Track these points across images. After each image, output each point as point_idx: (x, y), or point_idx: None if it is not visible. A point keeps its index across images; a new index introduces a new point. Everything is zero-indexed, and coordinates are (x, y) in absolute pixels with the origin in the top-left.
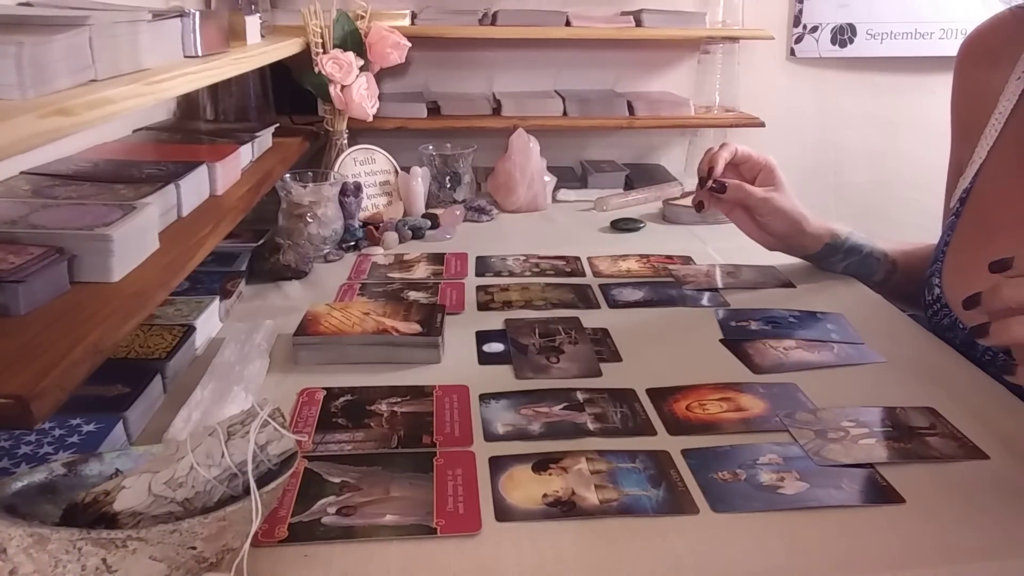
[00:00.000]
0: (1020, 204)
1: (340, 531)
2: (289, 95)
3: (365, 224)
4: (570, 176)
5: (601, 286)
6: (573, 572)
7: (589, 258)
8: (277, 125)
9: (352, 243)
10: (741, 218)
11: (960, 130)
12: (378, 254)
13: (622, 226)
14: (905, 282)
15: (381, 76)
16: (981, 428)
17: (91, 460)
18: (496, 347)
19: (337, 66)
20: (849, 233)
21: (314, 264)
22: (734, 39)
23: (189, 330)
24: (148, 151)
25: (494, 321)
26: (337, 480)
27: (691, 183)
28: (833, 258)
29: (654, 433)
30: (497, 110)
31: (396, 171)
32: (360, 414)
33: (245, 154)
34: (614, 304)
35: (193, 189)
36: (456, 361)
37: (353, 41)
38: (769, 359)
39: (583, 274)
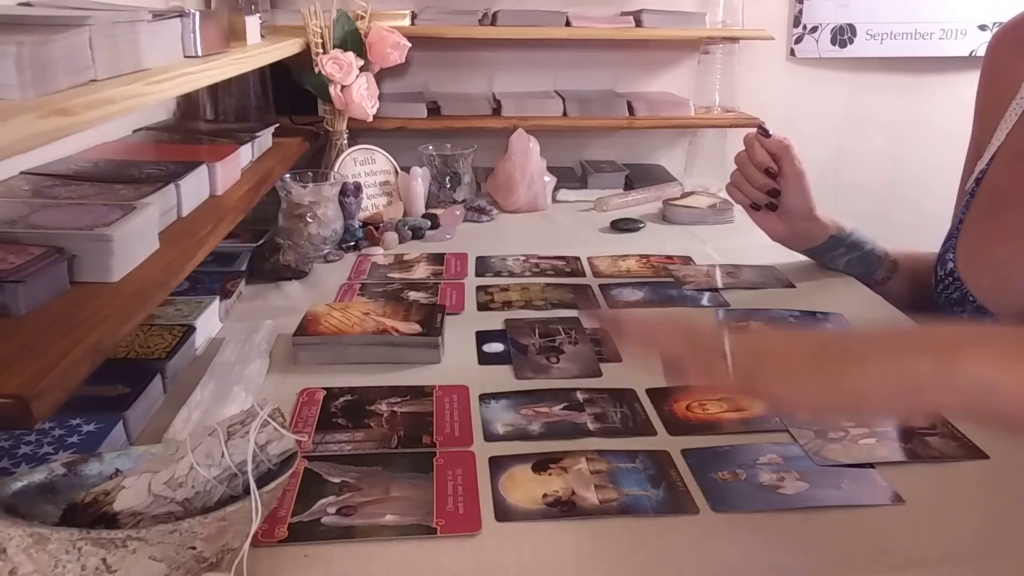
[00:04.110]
0: None
1: (340, 531)
2: (289, 95)
3: (365, 224)
4: (570, 176)
5: (601, 286)
6: (573, 572)
7: (589, 258)
8: (277, 125)
9: (352, 243)
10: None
11: (983, 115)
12: (378, 254)
13: (622, 226)
14: (905, 284)
15: (381, 76)
16: (981, 428)
17: (91, 460)
18: (496, 347)
19: (337, 66)
20: (853, 228)
21: (314, 264)
22: (734, 39)
23: (189, 330)
24: (148, 151)
25: (494, 321)
26: (337, 480)
27: (691, 183)
28: (836, 251)
29: (654, 433)
30: (497, 110)
31: (396, 171)
32: (360, 414)
33: (245, 154)
34: (614, 304)
35: (193, 189)
36: (456, 361)
37: (353, 41)
38: None
39: (583, 274)
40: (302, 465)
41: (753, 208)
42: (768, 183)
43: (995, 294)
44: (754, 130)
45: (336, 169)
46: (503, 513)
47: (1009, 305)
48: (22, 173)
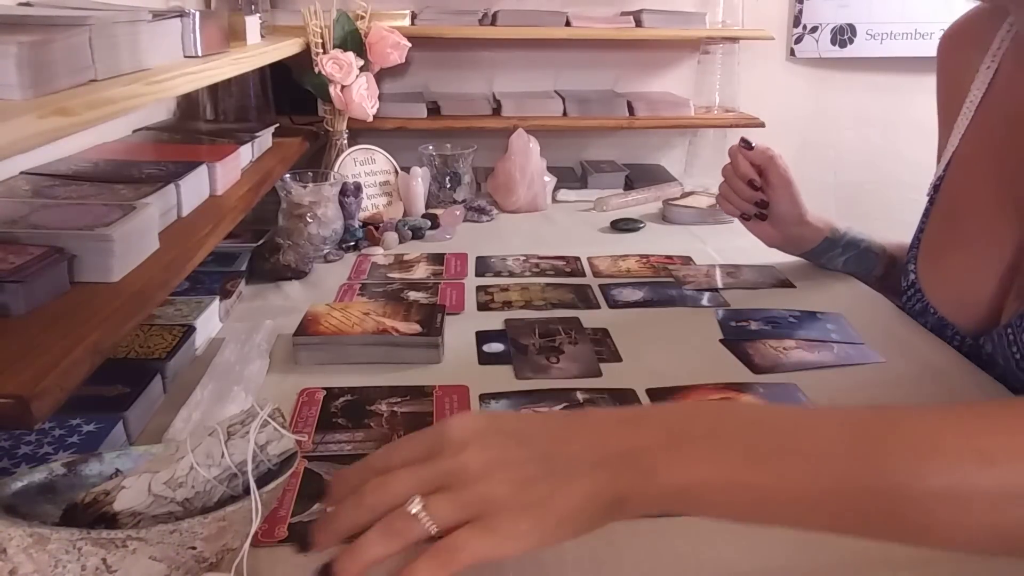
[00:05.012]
0: (985, 189)
1: None
2: (289, 95)
3: (365, 224)
4: (570, 176)
5: (601, 286)
6: (573, 572)
7: (589, 258)
8: (277, 125)
9: (352, 243)
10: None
11: (940, 120)
12: (378, 254)
13: (622, 226)
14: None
15: (381, 76)
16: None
17: (91, 460)
18: (496, 347)
19: (337, 66)
20: (847, 228)
21: (314, 264)
22: (734, 39)
23: (189, 330)
24: (148, 151)
25: (494, 321)
26: None
27: (691, 183)
28: (832, 252)
29: None
30: (497, 110)
31: (396, 171)
32: (360, 414)
33: (245, 154)
34: (614, 304)
35: (193, 189)
36: (456, 361)
37: (353, 41)
38: (769, 359)
39: (583, 274)
40: (302, 465)
41: (743, 219)
42: (754, 195)
43: (954, 306)
44: (738, 142)
45: (336, 169)
46: None
47: (968, 317)
48: (22, 173)
